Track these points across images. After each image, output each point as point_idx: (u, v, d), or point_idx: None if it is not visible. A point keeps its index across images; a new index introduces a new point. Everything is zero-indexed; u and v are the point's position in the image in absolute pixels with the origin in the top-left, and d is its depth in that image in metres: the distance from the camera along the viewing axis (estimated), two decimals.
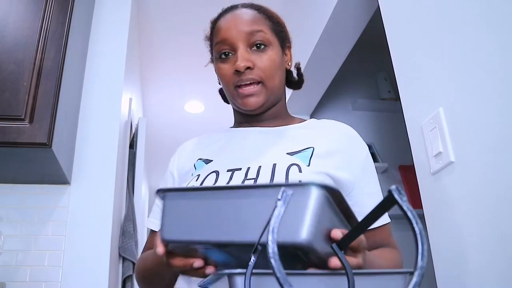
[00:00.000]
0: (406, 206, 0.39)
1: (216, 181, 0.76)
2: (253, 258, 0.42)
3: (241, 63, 0.79)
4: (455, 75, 0.90)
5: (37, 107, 1.32)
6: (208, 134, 0.96)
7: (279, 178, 0.72)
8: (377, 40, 1.79)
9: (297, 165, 0.74)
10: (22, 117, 1.30)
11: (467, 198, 0.86)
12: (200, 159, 0.86)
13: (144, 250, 0.92)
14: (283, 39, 0.89)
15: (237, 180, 0.74)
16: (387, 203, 0.40)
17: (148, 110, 3.70)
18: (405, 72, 1.11)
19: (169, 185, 0.91)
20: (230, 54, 0.83)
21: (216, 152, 0.86)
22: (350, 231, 0.45)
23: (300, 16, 2.21)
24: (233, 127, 0.96)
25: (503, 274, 0.75)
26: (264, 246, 0.40)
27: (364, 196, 0.79)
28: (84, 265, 1.52)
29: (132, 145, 2.23)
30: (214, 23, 0.90)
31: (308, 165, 0.75)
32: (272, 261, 0.37)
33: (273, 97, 0.85)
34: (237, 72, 0.80)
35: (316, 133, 0.84)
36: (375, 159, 2.58)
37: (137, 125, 2.29)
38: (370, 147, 2.65)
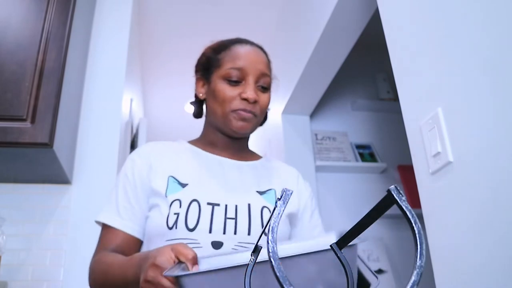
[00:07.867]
0: (405, 205, 0.39)
1: (199, 214, 0.82)
2: (252, 258, 0.42)
3: (253, 95, 0.89)
4: (454, 76, 0.91)
5: (39, 108, 1.32)
6: (169, 146, 0.98)
7: (255, 220, 0.84)
8: (376, 41, 1.80)
9: (268, 208, 0.88)
10: (24, 117, 1.30)
11: (466, 198, 0.86)
12: (173, 177, 0.88)
13: (99, 249, 0.88)
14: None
15: (219, 217, 0.82)
16: (386, 202, 0.40)
17: (149, 110, 3.71)
18: (403, 73, 1.11)
19: (129, 192, 0.89)
20: (238, 81, 0.92)
21: (191, 176, 0.89)
22: (349, 230, 0.46)
23: (300, 17, 2.22)
24: (200, 147, 0.98)
25: (501, 274, 0.76)
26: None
27: (309, 228, 0.96)
28: (85, 264, 1.50)
29: (133, 145, 2.24)
30: (229, 44, 0.97)
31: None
32: (272, 260, 0.37)
33: (255, 130, 0.97)
34: (244, 100, 0.90)
35: (273, 174, 0.99)
36: (374, 159, 2.59)
37: (138, 125, 2.30)
38: (369, 147, 2.66)
